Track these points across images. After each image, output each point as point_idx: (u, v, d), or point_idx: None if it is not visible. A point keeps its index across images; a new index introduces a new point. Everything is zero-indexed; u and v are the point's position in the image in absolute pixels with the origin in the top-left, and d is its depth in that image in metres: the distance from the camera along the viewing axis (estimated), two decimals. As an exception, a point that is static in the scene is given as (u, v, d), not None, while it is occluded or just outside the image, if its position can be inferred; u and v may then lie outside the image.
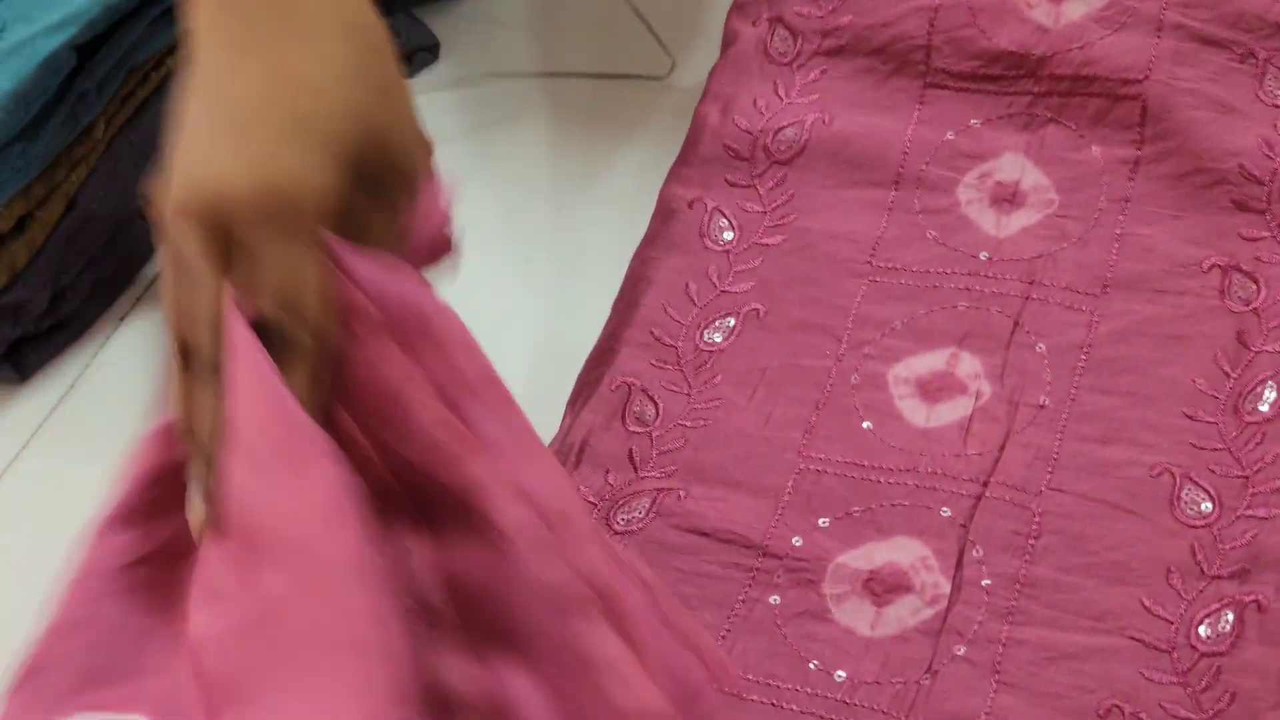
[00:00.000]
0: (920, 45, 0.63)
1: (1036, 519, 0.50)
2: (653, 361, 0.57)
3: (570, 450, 0.55)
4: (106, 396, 0.62)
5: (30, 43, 0.60)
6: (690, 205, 0.62)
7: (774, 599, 0.50)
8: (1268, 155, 0.58)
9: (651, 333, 0.58)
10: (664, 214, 0.62)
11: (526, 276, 0.66)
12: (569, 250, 0.67)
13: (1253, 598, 0.48)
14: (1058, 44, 0.62)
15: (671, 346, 0.58)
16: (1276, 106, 0.60)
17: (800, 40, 0.65)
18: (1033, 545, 0.50)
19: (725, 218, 0.61)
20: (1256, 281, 0.55)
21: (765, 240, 0.61)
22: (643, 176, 0.67)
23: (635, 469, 0.54)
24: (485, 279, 0.65)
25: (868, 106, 0.63)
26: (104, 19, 0.61)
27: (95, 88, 0.62)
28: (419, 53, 0.76)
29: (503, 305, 0.65)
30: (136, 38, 0.63)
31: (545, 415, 0.58)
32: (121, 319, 0.65)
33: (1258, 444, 0.51)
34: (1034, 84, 0.62)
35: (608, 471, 0.54)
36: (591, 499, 0.53)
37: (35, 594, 0.54)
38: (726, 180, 0.63)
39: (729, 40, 0.67)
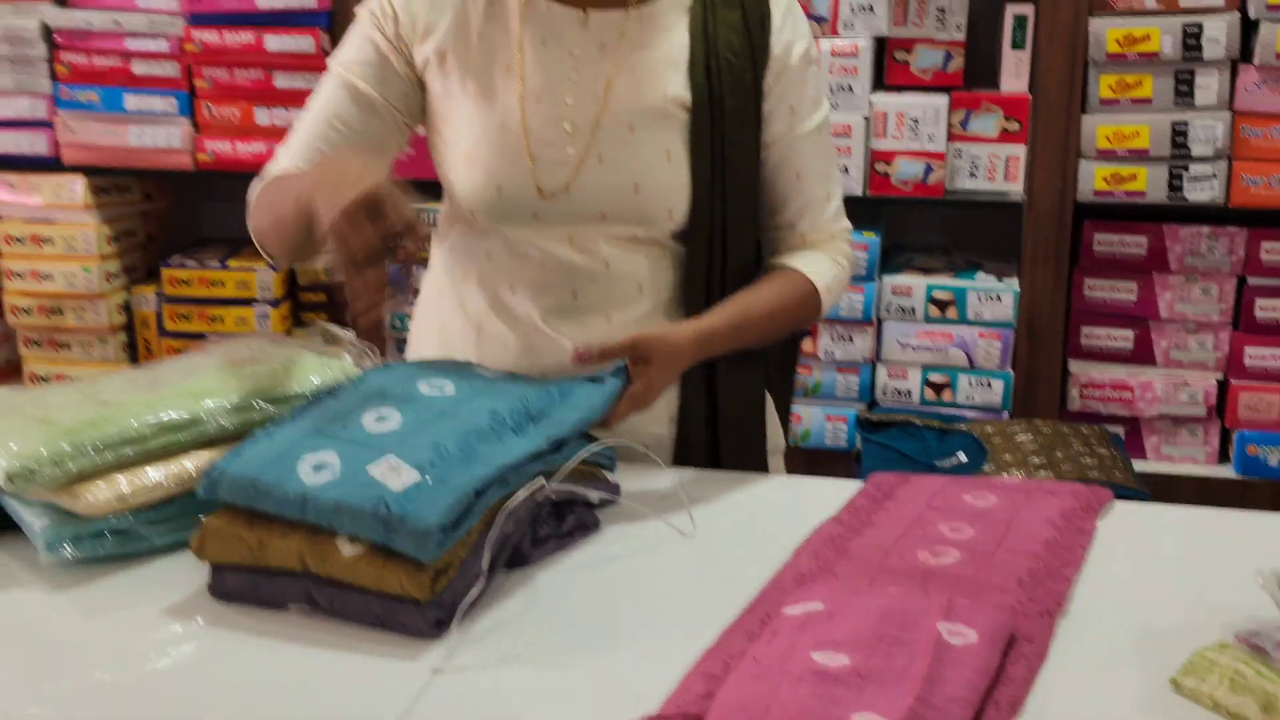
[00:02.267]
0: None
1: None
2: None
3: None
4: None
5: (454, 488, 1.42)
6: None
7: None
8: None
9: None
10: None
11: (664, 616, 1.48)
12: (705, 587, 1.49)
13: None
14: None
15: None
16: None
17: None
18: None
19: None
20: None
21: None
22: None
23: None
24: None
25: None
26: (478, 483, 1.47)
27: (478, 510, 1.46)
28: (590, 527, 1.62)
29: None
30: (495, 487, 1.48)
31: None
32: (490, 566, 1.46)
33: None
34: None
35: None
36: None
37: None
38: None
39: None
